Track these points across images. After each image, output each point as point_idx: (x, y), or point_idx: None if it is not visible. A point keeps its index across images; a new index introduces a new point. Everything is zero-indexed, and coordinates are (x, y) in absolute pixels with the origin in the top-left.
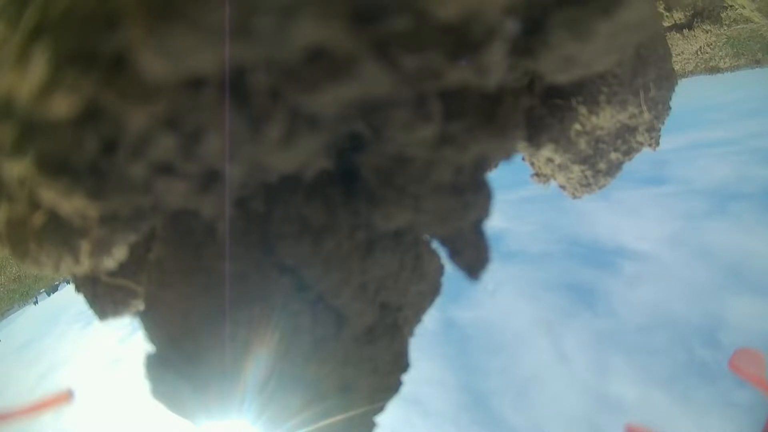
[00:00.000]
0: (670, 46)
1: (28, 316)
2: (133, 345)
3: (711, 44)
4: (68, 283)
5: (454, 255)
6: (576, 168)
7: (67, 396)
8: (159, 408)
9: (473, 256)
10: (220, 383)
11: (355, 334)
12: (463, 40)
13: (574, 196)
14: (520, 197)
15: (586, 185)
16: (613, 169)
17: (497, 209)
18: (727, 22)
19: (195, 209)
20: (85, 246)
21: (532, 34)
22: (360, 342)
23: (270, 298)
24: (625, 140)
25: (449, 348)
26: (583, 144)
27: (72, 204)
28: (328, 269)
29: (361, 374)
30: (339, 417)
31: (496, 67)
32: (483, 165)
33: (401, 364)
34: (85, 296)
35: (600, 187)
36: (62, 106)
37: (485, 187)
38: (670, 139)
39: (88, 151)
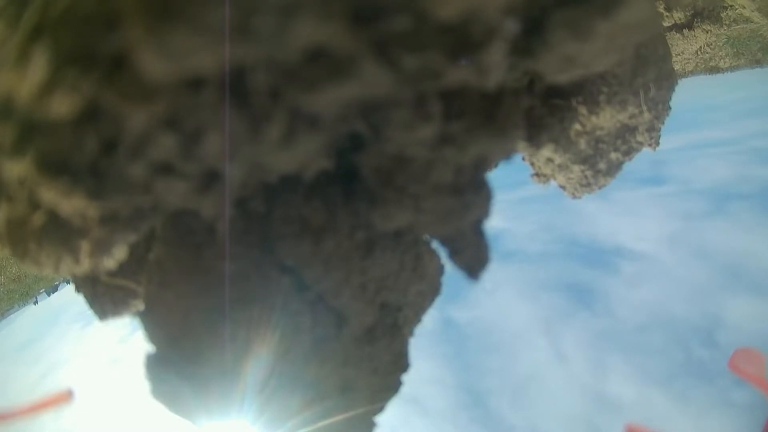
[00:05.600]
0: (670, 46)
1: (28, 316)
2: (133, 345)
3: (711, 44)
4: (68, 283)
5: (454, 255)
6: (576, 168)
7: (67, 396)
8: (159, 408)
9: (473, 256)
10: (220, 383)
11: (355, 334)
12: (463, 40)
13: (574, 196)
14: (520, 197)
15: (586, 185)
16: (613, 169)
17: (497, 209)
18: (727, 22)
19: (195, 209)
20: (85, 246)
21: (532, 34)
22: (360, 342)
23: (270, 298)
24: (625, 140)
25: (448, 347)
26: (583, 144)
27: (72, 204)
28: (328, 269)
29: (361, 374)
30: (339, 417)
31: (495, 67)
32: (483, 165)
33: (401, 364)
34: (85, 296)
35: (600, 187)
36: (62, 106)
37: (485, 187)
38: (670, 139)
39: (88, 151)
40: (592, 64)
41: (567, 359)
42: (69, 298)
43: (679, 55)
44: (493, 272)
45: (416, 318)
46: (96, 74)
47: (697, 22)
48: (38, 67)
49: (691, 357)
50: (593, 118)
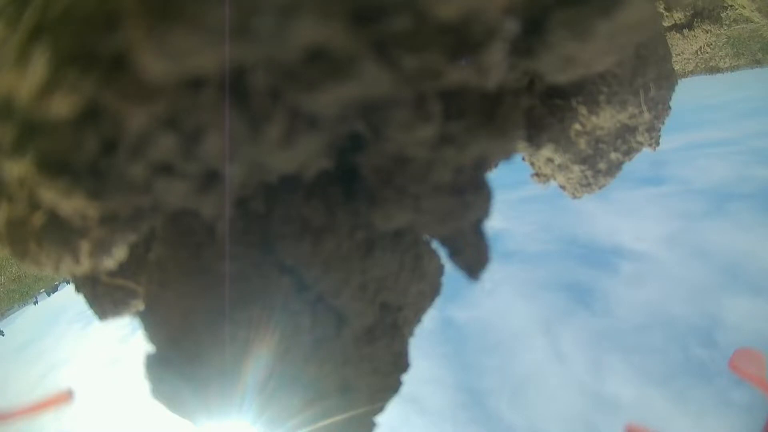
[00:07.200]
0: (670, 46)
1: (28, 316)
2: (133, 345)
3: (711, 44)
4: (68, 283)
5: (454, 255)
6: (576, 168)
7: (67, 396)
8: (159, 408)
9: (473, 256)
10: (220, 383)
11: (355, 334)
12: (463, 40)
13: (574, 196)
14: (519, 197)
15: (586, 185)
16: (613, 169)
17: (496, 209)
18: (727, 22)
19: (195, 209)
20: (85, 246)
21: (532, 34)
22: (360, 342)
23: (270, 298)
24: (625, 140)
25: (447, 347)
26: (583, 144)
27: (72, 204)
28: (328, 269)
29: (361, 374)
30: (339, 417)
31: (495, 67)
32: (483, 165)
33: (401, 364)
34: (85, 296)
35: (600, 187)
36: (62, 106)
37: (485, 187)
38: (669, 139)
39: (88, 151)
40: (592, 64)
41: (566, 359)
42: (69, 298)
43: (679, 55)
44: (492, 272)
45: (416, 318)
46: (96, 74)
47: (697, 22)
48: (38, 67)
49: (691, 357)
50: (593, 118)
